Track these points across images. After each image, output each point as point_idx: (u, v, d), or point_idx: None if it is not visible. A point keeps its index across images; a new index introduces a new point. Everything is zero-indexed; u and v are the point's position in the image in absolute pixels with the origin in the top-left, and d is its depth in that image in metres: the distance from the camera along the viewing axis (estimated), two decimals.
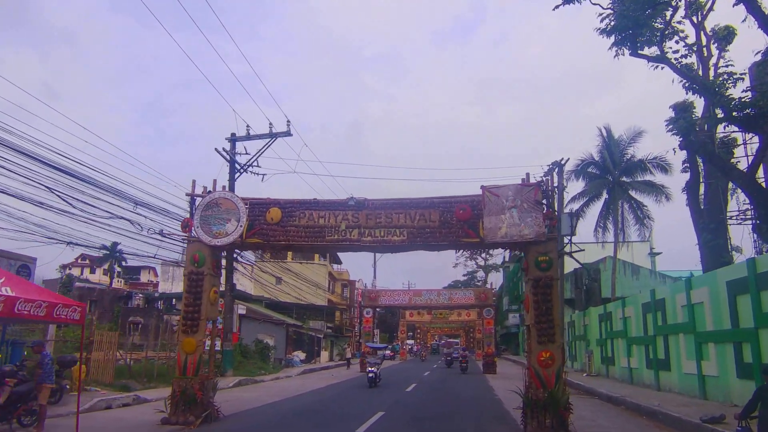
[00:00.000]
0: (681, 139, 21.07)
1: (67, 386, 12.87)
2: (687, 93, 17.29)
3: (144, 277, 77.30)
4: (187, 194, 11.46)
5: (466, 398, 16.02)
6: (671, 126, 18.15)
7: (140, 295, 43.76)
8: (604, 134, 33.44)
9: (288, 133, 22.98)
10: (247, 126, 23.16)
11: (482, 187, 10.51)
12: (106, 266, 68.85)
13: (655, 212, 34.26)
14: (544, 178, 10.44)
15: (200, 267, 10.94)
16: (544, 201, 10.31)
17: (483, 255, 69.28)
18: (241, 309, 39.10)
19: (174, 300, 42.33)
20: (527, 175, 10.56)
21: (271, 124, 23.11)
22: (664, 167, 31.53)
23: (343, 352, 37.27)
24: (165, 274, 53.95)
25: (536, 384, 9.51)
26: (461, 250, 10.74)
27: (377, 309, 59.18)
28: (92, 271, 77.77)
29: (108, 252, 61.82)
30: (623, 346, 19.85)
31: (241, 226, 10.99)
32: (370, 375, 18.92)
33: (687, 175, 22.74)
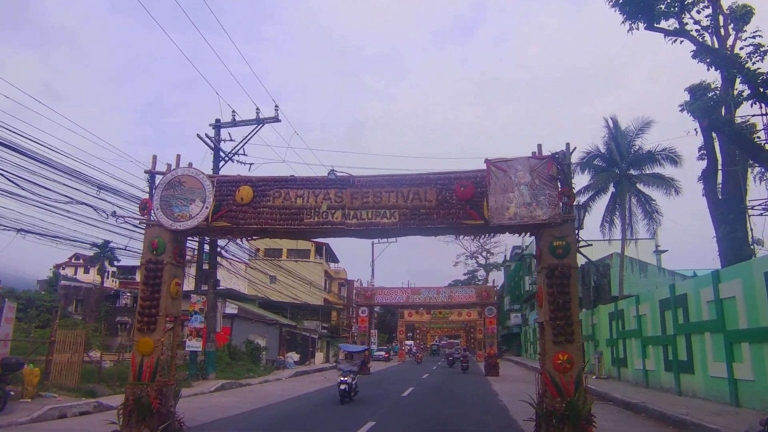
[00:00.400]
0: (698, 122, 19.60)
1: (12, 393, 11.37)
2: (709, 69, 15.85)
3: (140, 276, 75.44)
4: (146, 171, 9.94)
5: (468, 405, 14.52)
6: (690, 108, 16.67)
7: (128, 294, 42.19)
8: (611, 125, 31.95)
9: (276, 119, 21.49)
10: (233, 112, 21.67)
11: (487, 160, 9.00)
12: (99, 265, 67.13)
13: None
14: (558, 152, 8.88)
15: (159, 255, 9.43)
16: (559, 177, 8.79)
17: (483, 253, 67.78)
18: (232, 308, 37.65)
19: None
20: (539, 147, 9.05)
21: (258, 109, 21.64)
22: (673, 159, 30.12)
23: (338, 353, 35.60)
24: None
25: (552, 392, 7.99)
26: (462, 235, 9.19)
27: (375, 309, 57.97)
28: (86, 271, 76.03)
29: (99, 250, 60.40)
30: (637, 346, 18.34)
31: (206, 207, 9.48)
32: (342, 387, 14.23)
33: (697, 166, 21.33)
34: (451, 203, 8.88)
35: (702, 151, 20.90)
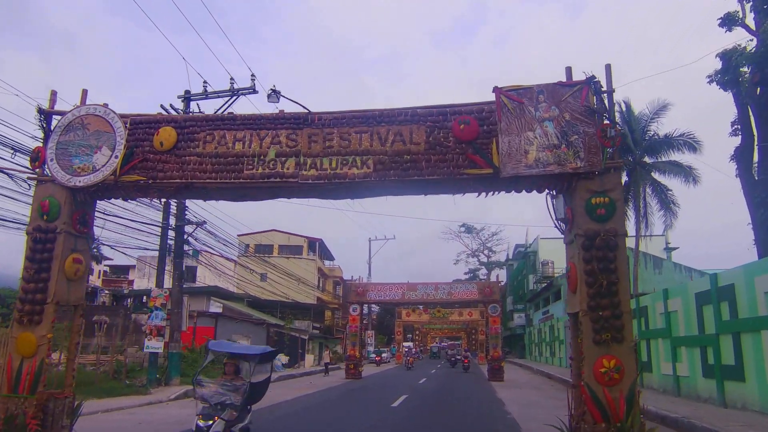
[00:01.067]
0: (732, 94, 17.22)
1: None
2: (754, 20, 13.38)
3: (132, 275, 72.77)
4: (39, 110, 7.44)
5: (470, 420, 12.00)
6: (738, 60, 14.24)
7: (106, 291, 39.69)
8: (623, 108, 29.33)
9: (252, 90, 19.00)
10: (204, 82, 19.21)
11: (496, 89, 6.52)
12: (93, 263, 64.58)
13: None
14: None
15: (51, 220, 6.95)
16: (598, 109, 6.30)
17: (485, 251, 65.18)
18: (217, 307, 35.20)
19: (144, 297, 38.33)
20: (568, 70, 6.57)
21: (232, 79, 19.17)
22: (692, 145, 27.60)
23: (323, 356, 32.75)
24: (141, 270, 50.05)
25: (594, 414, 5.48)
26: (462, 192, 6.66)
27: (373, 308, 55.29)
28: None
29: None
30: (665, 348, 15.82)
31: (116, 156, 7.00)
32: None
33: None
34: (447, 146, 6.39)
35: (736, 126, 18.46)
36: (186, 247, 22.70)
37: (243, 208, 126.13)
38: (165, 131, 6.93)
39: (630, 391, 5.51)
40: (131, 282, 57.07)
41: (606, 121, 6.23)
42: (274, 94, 6.42)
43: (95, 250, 59.72)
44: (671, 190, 28.42)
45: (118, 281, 55.40)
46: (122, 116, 7.22)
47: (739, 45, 17.16)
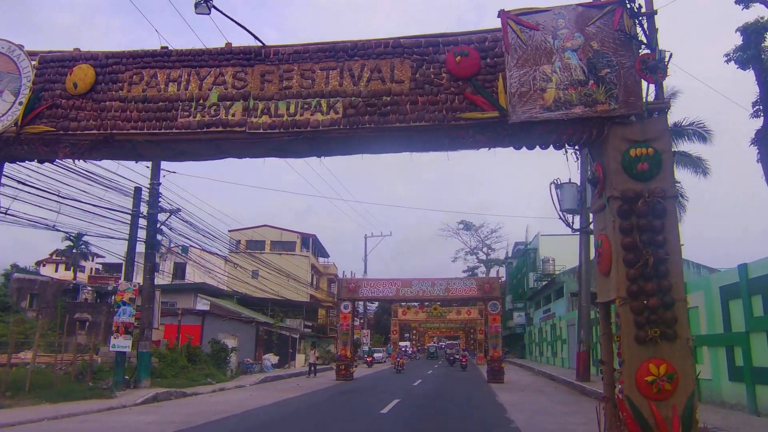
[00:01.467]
0: (755, 71, 15.84)
1: None
2: None
3: None
4: None
5: (468, 430, 10.54)
6: (740, 53, 12.94)
7: (88, 288, 38.14)
8: None
9: None
10: None
11: (502, 13, 5.04)
12: (82, 261, 63.26)
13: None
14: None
15: None
16: (635, 36, 4.84)
17: (484, 249, 63.71)
18: (204, 304, 33.74)
19: None
20: None
21: None
22: (702, 135, 26.20)
23: (309, 355, 30.75)
24: None
25: None
26: (458, 147, 5.16)
27: (366, 305, 53.77)
28: (68, 268, 72.12)
29: (72, 243, 56.32)
30: None
31: (20, 102, 5.53)
32: None
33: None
34: (439, 85, 4.92)
35: (757, 107, 17.03)
36: (172, 244, 21.39)
37: (236, 202, 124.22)
38: (80, 70, 5.45)
39: (687, 407, 4.07)
40: (118, 279, 55.44)
41: (646, 51, 4.76)
42: (204, 3, 4.87)
43: (83, 246, 58.37)
44: (680, 182, 27.10)
45: (105, 278, 53.85)
46: (31, 54, 5.74)
47: (761, 18, 15.86)
